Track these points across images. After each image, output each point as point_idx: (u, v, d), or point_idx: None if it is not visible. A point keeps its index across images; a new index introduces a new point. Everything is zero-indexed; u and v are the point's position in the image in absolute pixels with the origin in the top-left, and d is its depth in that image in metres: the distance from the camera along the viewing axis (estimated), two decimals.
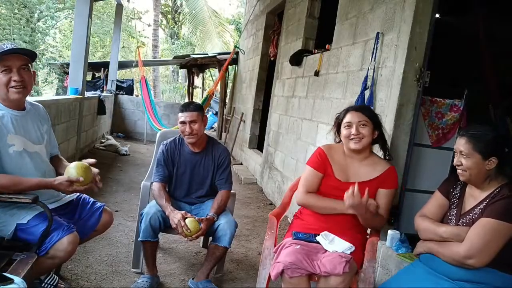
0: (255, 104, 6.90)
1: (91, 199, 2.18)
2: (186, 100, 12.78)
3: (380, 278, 2.44)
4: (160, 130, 4.41)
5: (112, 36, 11.19)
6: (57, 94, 11.31)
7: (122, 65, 11.67)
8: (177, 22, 21.43)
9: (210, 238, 2.59)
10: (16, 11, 12.65)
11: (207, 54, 10.21)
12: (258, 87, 6.88)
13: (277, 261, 1.83)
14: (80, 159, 2.08)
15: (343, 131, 2.08)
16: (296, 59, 4.55)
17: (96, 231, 2.14)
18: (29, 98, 2.04)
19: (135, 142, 8.90)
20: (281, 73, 5.33)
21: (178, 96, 19.62)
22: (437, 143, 2.73)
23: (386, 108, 2.63)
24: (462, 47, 4.37)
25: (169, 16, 21.63)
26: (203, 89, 16.95)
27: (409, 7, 2.52)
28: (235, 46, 7.92)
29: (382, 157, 2.21)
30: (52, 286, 1.92)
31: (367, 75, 2.85)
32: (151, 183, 2.61)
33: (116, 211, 3.75)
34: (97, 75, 10.55)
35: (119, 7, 9.54)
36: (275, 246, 2.04)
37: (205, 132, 2.63)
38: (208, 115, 10.01)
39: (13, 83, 1.83)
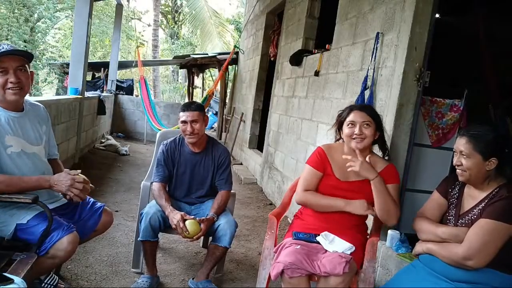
0: (255, 104, 6.91)
1: (91, 199, 2.17)
2: (186, 100, 12.78)
3: (380, 278, 2.44)
4: (160, 130, 4.42)
5: (111, 36, 11.19)
6: (57, 94, 11.32)
7: (122, 65, 11.67)
8: (177, 22, 21.44)
9: (210, 238, 2.59)
10: (16, 10, 12.66)
11: (207, 54, 10.22)
12: (258, 87, 6.88)
13: (277, 261, 1.83)
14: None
15: (346, 130, 2.07)
16: (296, 59, 4.55)
17: (96, 231, 2.14)
18: (30, 98, 2.04)
19: (135, 142, 8.91)
20: (281, 73, 5.33)
21: (178, 96, 19.63)
22: (437, 143, 2.73)
23: (386, 108, 2.63)
24: (462, 47, 4.38)
25: (169, 16, 21.64)
26: (203, 89, 16.94)
27: (409, 7, 2.51)
28: (235, 46, 7.93)
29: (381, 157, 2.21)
30: (52, 286, 1.91)
31: (367, 75, 2.85)
32: (151, 183, 2.61)
33: (116, 211, 3.75)
34: (97, 75, 10.55)
35: (119, 7, 9.54)
36: (275, 246, 2.04)
37: (205, 132, 2.64)
38: (208, 115, 10.01)
39: (9, 85, 1.82)
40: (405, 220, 2.60)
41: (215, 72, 12.95)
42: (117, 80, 10.29)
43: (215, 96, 9.44)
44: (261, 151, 6.08)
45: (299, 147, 4.25)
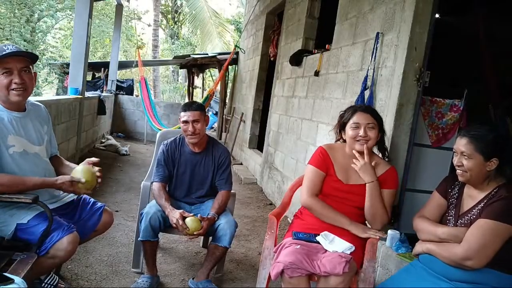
0: (255, 104, 6.91)
1: (92, 200, 2.18)
2: (186, 100, 12.78)
3: (380, 278, 2.44)
4: (160, 130, 4.42)
5: (111, 36, 11.19)
6: (57, 94, 11.31)
7: (122, 65, 11.68)
8: (177, 22, 21.43)
9: (210, 238, 2.59)
10: (16, 10, 12.65)
11: (207, 54, 10.21)
12: (258, 87, 6.88)
13: (277, 261, 1.83)
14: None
15: (349, 132, 2.05)
16: (296, 59, 4.55)
17: (96, 231, 2.14)
18: (30, 98, 2.04)
19: (135, 142, 8.91)
20: (281, 73, 5.33)
21: (178, 96, 19.63)
22: (437, 143, 2.73)
23: (386, 108, 2.63)
24: (462, 47, 4.38)
25: (169, 16, 21.63)
26: (203, 89, 16.95)
27: (409, 7, 2.52)
28: (236, 46, 7.92)
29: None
30: (52, 286, 1.91)
31: (367, 75, 2.85)
32: (151, 183, 2.61)
33: (116, 211, 3.75)
34: (97, 75, 10.55)
35: (119, 7, 9.54)
36: (275, 246, 2.04)
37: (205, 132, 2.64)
38: (208, 115, 10.01)
39: (14, 86, 1.83)
40: (405, 220, 2.61)
41: (215, 72, 12.96)
42: (117, 80, 10.29)
43: (215, 96, 9.44)
44: (261, 151, 6.08)
45: (299, 147, 4.26)
